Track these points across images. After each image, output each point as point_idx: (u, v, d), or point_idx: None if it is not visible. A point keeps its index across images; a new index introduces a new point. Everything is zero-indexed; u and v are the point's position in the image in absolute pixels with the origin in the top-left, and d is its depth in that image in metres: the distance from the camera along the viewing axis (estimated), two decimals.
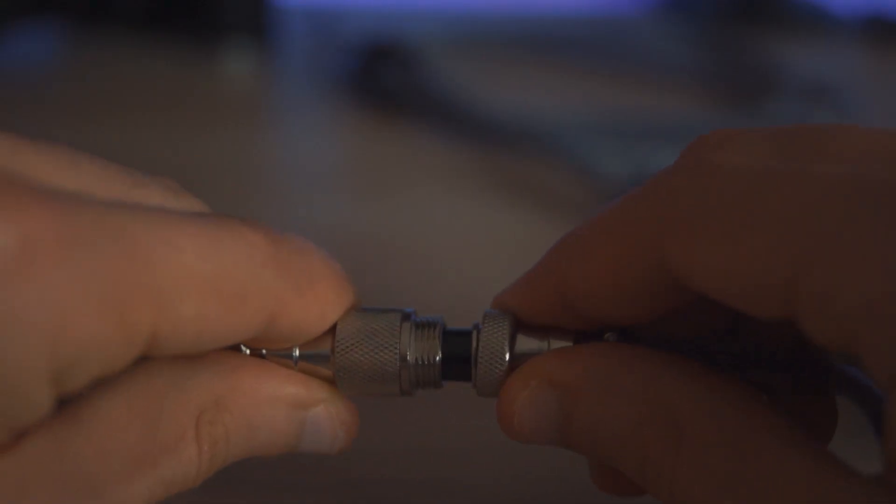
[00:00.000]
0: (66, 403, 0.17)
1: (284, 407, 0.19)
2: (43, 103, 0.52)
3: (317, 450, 0.20)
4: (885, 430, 0.14)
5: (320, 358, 0.20)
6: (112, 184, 0.17)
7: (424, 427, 0.26)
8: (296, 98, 0.57)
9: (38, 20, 0.60)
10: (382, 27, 0.62)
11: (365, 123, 0.51)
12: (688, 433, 0.16)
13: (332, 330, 0.20)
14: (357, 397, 0.20)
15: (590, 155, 0.42)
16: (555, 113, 0.49)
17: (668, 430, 0.17)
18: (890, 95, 0.62)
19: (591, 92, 0.56)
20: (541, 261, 0.19)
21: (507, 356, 0.19)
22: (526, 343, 0.19)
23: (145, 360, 0.18)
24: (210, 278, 0.16)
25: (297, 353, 0.19)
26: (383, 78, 0.53)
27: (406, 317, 0.20)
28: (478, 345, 0.19)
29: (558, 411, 0.18)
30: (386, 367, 0.19)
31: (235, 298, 0.17)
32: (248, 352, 0.19)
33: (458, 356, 0.20)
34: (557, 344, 0.19)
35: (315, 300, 0.19)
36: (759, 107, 0.51)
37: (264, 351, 0.19)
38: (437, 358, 0.20)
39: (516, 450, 0.25)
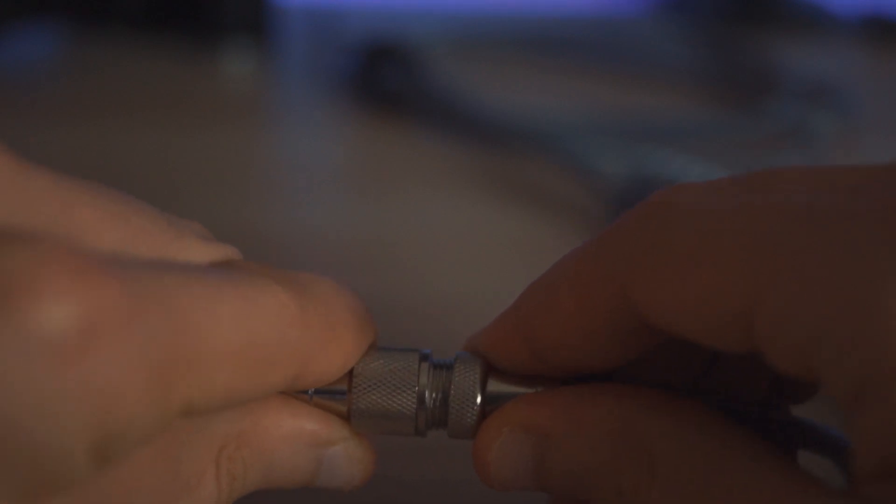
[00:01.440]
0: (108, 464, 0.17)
1: (303, 445, 0.19)
2: (43, 103, 0.52)
3: (332, 486, 0.20)
4: (853, 443, 0.14)
5: (336, 395, 0.20)
6: (156, 236, 0.17)
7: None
8: (296, 98, 0.57)
9: (38, 20, 0.60)
10: (382, 27, 0.62)
11: (365, 123, 0.51)
12: (659, 462, 0.17)
13: (350, 368, 0.20)
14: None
15: (589, 155, 0.42)
16: (555, 113, 0.49)
17: (640, 460, 0.17)
18: (890, 95, 0.62)
19: (591, 92, 0.56)
20: (509, 308, 0.20)
21: (478, 400, 0.19)
22: (497, 387, 0.20)
23: None
24: (243, 347, 0.16)
25: (313, 389, 0.20)
26: (383, 78, 0.53)
27: (424, 357, 0.20)
28: (449, 388, 0.20)
29: (533, 456, 0.19)
30: (402, 408, 0.20)
31: (265, 364, 0.17)
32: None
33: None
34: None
35: (338, 350, 0.19)
36: (759, 107, 0.51)
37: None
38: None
39: None
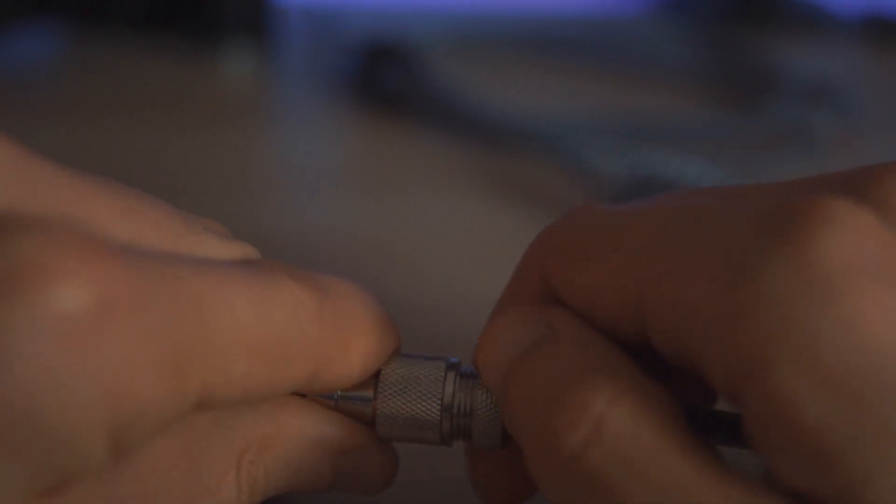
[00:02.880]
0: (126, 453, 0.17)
1: (325, 450, 0.19)
2: (43, 103, 0.52)
3: (353, 491, 0.20)
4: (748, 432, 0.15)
5: (361, 400, 0.20)
6: (169, 230, 0.17)
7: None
8: (296, 98, 0.57)
9: (38, 20, 0.60)
10: (382, 27, 0.62)
11: (365, 123, 0.51)
12: (633, 389, 0.16)
13: (376, 374, 0.20)
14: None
15: (589, 155, 0.42)
16: (555, 113, 0.49)
17: (615, 379, 0.16)
18: (890, 95, 0.62)
19: (591, 92, 0.56)
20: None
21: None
22: None
23: None
24: (260, 339, 0.17)
25: (339, 393, 0.20)
26: (383, 78, 0.53)
27: (451, 366, 0.20)
28: (476, 399, 0.19)
29: (528, 342, 0.18)
30: (428, 416, 0.19)
31: (282, 358, 0.17)
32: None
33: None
34: None
35: (357, 352, 0.19)
36: (759, 107, 0.52)
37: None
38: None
39: None
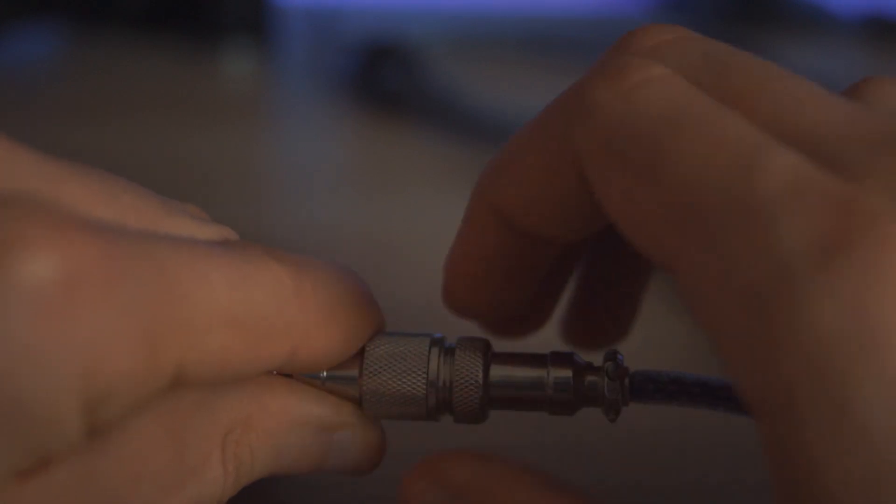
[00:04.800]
0: (102, 431, 0.16)
1: (311, 429, 0.19)
2: (43, 103, 0.52)
3: (342, 471, 0.20)
4: (771, 461, 0.14)
5: (347, 380, 0.20)
6: (146, 213, 0.17)
7: (425, 427, 0.26)
8: (296, 98, 0.57)
9: (38, 20, 0.60)
10: (382, 27, 0.62)
11: (365, 123, 0.51)
12: None
13: (361, 352, 0.20)
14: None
15: None
16: None
17: None
18: None
19: None
20: (475, 186, 0.20)
21: (482, 384, 0.19)
22: (500, 370, 0.20)
23: None
24: (236, 314, 0.16)
25: (325, 373, 0.20)
26: (383, 78, 0.53)
27: (435, 342, 0.20)
28: (449, 370, 0.20)
29: None
30: (413, 392, 0.20)
31: (259, 334, 0.17)
32: (275, 371, 0.19)
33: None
34: (557, 372, 0.19)
35: (338, 331, 0.19)
36: None
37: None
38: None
39: (516, 450, 0.25)
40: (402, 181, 0.44)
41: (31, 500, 0.15)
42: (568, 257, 0.22)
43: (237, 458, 0.18)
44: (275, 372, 0.19)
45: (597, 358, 0.20)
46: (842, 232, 0.13)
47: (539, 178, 0.18)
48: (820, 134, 0.15)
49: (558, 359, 0.20)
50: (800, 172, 0.14)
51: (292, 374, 0.19)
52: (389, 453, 0.21)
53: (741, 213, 0.14)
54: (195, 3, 0.60)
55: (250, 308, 0.17)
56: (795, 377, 0.13)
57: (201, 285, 0.16)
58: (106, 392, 0.15)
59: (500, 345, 0.21)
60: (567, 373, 0.19)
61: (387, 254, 0.37)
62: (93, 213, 0.16)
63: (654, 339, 0.28)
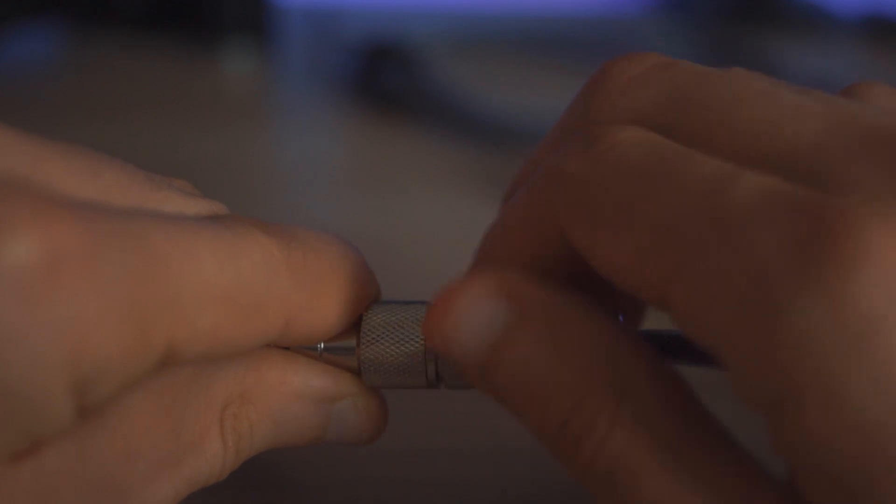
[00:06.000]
0: (94, 410, 0.16)
1: (310, 400, 0.19)
2: (43, 103, 0.52)
3: (343, 442, 0.20)
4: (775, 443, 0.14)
5: (345, 350, 0.19)
6: (131, 189, 0.17)
7: (425, 427, 0.26)
8: (296, 98, 0.57)
9: (38, 20, 0.60)
10: (383, 27, 0.62)
11: (365, 123, 0.51)
12: (632, 395, 0.16)
13: (358, 322, 0.19)
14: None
15: None
16: (554, 113, 0.49)
17: (612, 385, 0.16)
18: None
19: None
20: (474, 258, 0.20)
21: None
22: None
23: None
24: (226, 289, 0.16)
25: (322, 345, 0.19)
26: (383, 78, 0.53)
27: None
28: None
29: (498, 327, 0.17)
30: (411, 360, 0.19)
31: (250, 308, 0.17)
32: (270, 344, 0.19)
33: None
34: None
35: (332, 300, 0.18)
36: None
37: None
38: None
39: (516, 450, 0.25)
40: (402, 181, 0.44)
41: (26, 482, 0.15)
42: None
43: (236, 432, 0.18)
44: (271, 345, 0.19)
45: None
46: (816, 238, 0.13)
47: (527, 245, 0.18)
48: (792, 151, 0.16)
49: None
50: (765, 188, 0.15)
51: (289, 347, 0.19)
52: (389, 453, 0.21)
53: (712, 232, 0.15)
54: (195, 3, 0.60)
55: (240, 283, 0.16)
56: (790, 376, 0.13)
57: (189, 261, 0.16)
58: (95, 373, 0.14)
59: None
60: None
61: (387, 253, 0.37)
62: (75, 191, 0.16)
63: None
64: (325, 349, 0.19)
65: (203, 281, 0.16)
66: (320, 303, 0.18)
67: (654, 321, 0.20)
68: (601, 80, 0.19)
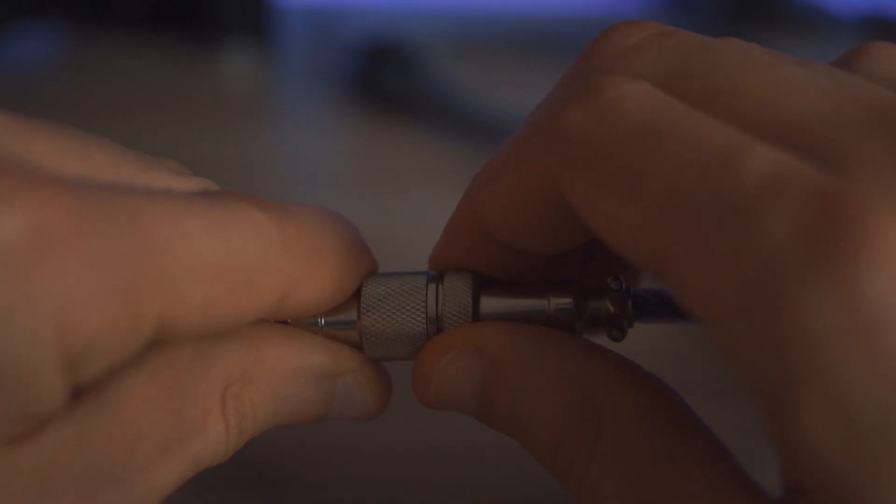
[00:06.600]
0: (87, 389, 0.16)
1: (312, 378, 0.19)
2: (43, 103, 0.52)
3: (349, 417, 0.20)
4: (779, 451, 0.14)
5: (346, 323, 0.19)
6: (120, 168, 0.17)
7: (424, 427, 0.26)
8: (296, 98, 0.57)
9: (38, 20, 0.60)
10: (383, 28, 0.62)
11: (365, 123, 0.51)
12: (607, 428, 0.16)
13: (358, 295, 0.19)
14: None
15: None
16: None
17: (588, 420, 0.17)
18: None
19: None
20: (461, 199, 0.20)
21: (471, 313, 0.19)
22: (490, 301, 0.19)
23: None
24: (218, 264, 0.16)
25: (323, 319, 0.19)
26: (383, 78, 0.53)
27: (432, 279, 0.19)
28: (440, 303, 0.19)
29: (479, 380, 0.18)
30: (413, 330, 0.19)
31: (244, 282, 0.17)
32: (268, 319, 0.19)
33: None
34: (557, 299, 0.19)
35: (327, 274, 0.18)
36: None
37: (289, 320, 0.19)
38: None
39: (517, 450, 0.25)
40: (402, 181, 0.44)
41: (26, 467, 0.15)
42: (558, 265, 0.22)
43: (238, 412, 0.18)
44: (272, 321, 0.19)
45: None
46: (829, 227, 0.13)
47: (518, 197, 0.18)
48: (802, 124, 0.15)
49: (558, 284, 0.19)
50: (778, 167, 0.14)
51: (289, 322, 0.19)
52: (389, 453, 0.21)
53: (723, 210, 0.14)
54: (195, 3, 0.60)
55: (232, 256, 0.16)
56: (792, 368, 0.13)
57: (178, 236, 0.15)
58: (86, 349, 0.14)
59: None
60: (567, 299, 0.19)
61: (386, 253, 0.37)
62: (63, 168, 0.16)
63: (649, 342, 0.28)
64: (326, 323, 0.19)
65: (193, 255, 0.16)
66: (316, 275, 0.18)
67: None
68: (600, 45, 0.18)
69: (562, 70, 0.20)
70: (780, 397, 0.13)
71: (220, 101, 0.54)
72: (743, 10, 0.71)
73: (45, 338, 0.14)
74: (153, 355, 0.17)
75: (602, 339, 0.19)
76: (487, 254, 0.19)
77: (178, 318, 0.16)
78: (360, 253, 0.19)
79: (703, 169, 0.14)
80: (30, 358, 0.14)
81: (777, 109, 0.15)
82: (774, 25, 0.71)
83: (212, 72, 0.58)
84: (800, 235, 0.13)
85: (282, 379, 0.19)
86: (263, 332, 0.19)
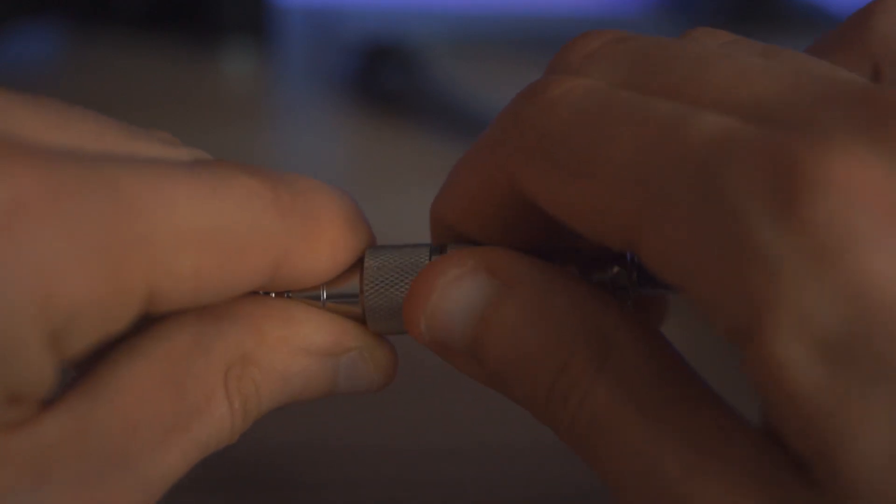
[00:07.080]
0: (87, 374, 0.16)
1: (315, 356, 0.19)
2: None
3: (355, 393, 0.20)
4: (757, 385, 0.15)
5: (349, 296, 0.19)
6: (104, 137, 0.17)
7: (424, 427, 0.26)
8: (296, 98, 0.57)
9: (38, 20, 0.60)
10: (383, 28, 0.62)
11: (365, 123, 0.51)
12: (615, 353, 0.16)
13: (359, 267, 0.19)
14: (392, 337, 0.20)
15: None
16: None
17: (595, 345, 0.16)
18: None
19: None
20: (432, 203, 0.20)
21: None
22: None
23: (165, 320, 0.17)
24: (206, 230, 0.16)
25: (325, 294, 0.19)
26: (383, 78, 0.53)
27: (434, 251, 0.19)
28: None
29: (484, 304, 0.18)
30: None
31: (234, 250, 0.16)
32: (272, 294, 0.19)
33: None
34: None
35: (323, 243, 0.18)
36: None
37: (289, 293, 0.19)
38: None
39: (516, 450, 0.25)
40: (402, 181, 0.44)
41: (24, 454, 0.15)
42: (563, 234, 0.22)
43: (242, 394, 0.18)
44: (273, 294, 0.19)
45: None
46: (777, 168, 0.14)
47: (475, 195, 0.18)
48: (754, 101, 0.15)
49: (563, 253, 0.19)
50: (725, 128, 0.15)
51: (291, 296, 0.19)
52: (389, 453, 0.21)
53: (677, 174, 0.15)
54: (195, 3, 0.60)
55: (221, 222, 0.16)
56: (762, 300, 0.14)
57: (161, 202, 0.15)
58: (69, 320, 0.14)
59: None
60: (572, 268, 0.19)
61: None
62: (43, 138, 0.16)
63: None
64: (328, 298, 0.19)
65: (179, 221, 0.15)
66: (312, 242, 0.18)
67: None
68: (563, 54, 0.19)
69: None
70: (749, 330, 0.14)
71: (220, 101, 0.54)
72: (743, 10, 0.71)
73: (25, 308, 0.14)
74: (151, 339, 0.17)
75: None
76: (496, 224, 0.19)
77: (168, 289, 0.15)
78: (358, 223, 0.19)
79: (651, 139, 0.15)
80: (11, 330, 0.14)
81: (736, 91, 0.16)
82: (774, 25, 0.71)
83: (212, 72, 0.58)
84: (755, 181, 0.14)
85: (284, 359, 0.18)
86: (263, 309, 0.18)
